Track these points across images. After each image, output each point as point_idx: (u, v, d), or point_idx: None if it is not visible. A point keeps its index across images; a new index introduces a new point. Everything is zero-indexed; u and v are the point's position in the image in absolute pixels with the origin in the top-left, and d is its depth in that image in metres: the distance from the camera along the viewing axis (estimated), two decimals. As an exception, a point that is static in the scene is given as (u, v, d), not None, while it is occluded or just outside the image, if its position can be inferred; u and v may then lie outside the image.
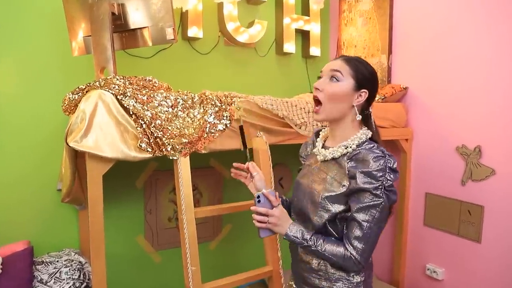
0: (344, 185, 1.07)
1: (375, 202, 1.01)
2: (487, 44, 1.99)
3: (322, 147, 1.20)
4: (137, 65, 2.23)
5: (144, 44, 1.54)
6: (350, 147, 1.10)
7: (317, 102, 1.14)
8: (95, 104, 1.33)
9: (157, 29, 1.49)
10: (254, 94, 1.78)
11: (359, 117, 1.11)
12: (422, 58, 2.34)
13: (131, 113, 1.38)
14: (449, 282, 2.23)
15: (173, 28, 1.47)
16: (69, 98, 1.43)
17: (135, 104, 1.37)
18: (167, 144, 1.39)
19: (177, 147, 1.40)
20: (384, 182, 1.01)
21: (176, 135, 1.41)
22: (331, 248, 1.06)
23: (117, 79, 1.41)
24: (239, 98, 1.62)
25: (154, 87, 1.52)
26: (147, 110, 1.39)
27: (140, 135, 1.37)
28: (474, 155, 2.04)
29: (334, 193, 1.08)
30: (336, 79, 1.10)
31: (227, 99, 1.59)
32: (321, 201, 1.09)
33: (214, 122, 1.53)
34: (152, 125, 1.38)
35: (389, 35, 2.52)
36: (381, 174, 1.01)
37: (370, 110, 1.17)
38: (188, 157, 1.47)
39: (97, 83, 1.38)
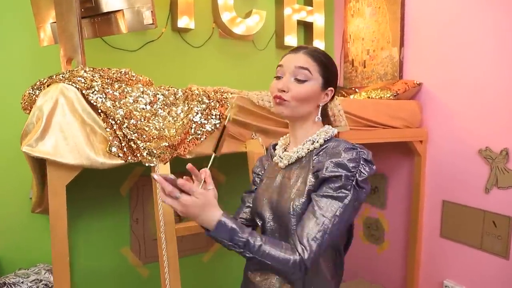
0: (310, 184, 0.92)
1: (340, 195, 0.86)
2: (516, 32, 1.75)
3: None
4: (121, 59, 2.01)
5: (118, 31, 1.31)
6: (317, 141, 0.97)
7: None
8: (55, 100, 1.10)
9: (133, 12, 1.26)
10: (250, 91, 1.55)
11: (318, 119, 1.01)
12: (438, 51, 2.10)
13: (99, 111, 1.15)
14: (470, 301, 1.99)
15: (152, 11, 1.25)
16: (29, 93, 1.21)
17: (104, 100, 1.14)
18: (142, 148, 1.16)
19: (155, 151, 1.17)
20: (357, 174, 0.87)
21: (154, 137, 1.19)
22: (274, 251, 0.83)
23: (85, 71, 1.18)
24: (230, 93, 1.39)
25: (130, 81, 1.29)
26: (119, 107, 1.16)
27: (110, 138, 1.14)
28: (501, 159, 1.80)
29: (305, 198, 0.91)
30: (302, 79, 0.96)
31: (216, 95, 1.36)
32: (294, 211, 0.91)
33: (201, 122, 1.30)
34: (124, 126, 1.15)
35: (401, 25, 2.29)
36: (353, 164, 0.87)
37: (329, 106, 1.07)
38: (168, 164, 1.24)
39: (61, 75, 1.16)
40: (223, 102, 1.34)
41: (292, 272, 0.83)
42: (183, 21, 2.09)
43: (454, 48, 2.02)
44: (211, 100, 1.33)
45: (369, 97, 2.13)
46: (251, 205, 1.12)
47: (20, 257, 1.80)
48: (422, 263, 2.25)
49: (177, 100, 1.28)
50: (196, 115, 1.28)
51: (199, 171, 0.90)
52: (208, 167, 0.91)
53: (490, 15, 1.83)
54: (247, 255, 0.84)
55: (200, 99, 1.31)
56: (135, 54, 2.06)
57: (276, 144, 1.14)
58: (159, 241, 1.21)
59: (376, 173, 2.51)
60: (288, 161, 1.01)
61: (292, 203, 0.92)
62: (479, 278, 1.94)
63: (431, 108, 2.16)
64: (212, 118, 1.31)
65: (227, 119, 0.97)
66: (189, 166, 0.89)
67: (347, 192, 0.86)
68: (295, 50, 1.00)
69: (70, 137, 1.10)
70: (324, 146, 0.97)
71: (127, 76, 1.30)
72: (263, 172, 1.13)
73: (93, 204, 1.99)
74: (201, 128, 1.30)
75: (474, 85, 1.93)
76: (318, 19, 2.58)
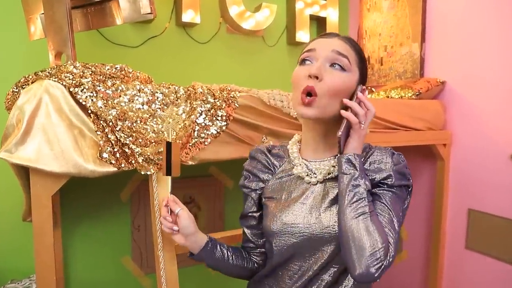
0: None
1: (405, 199, 0.86)
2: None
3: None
4: (122, 55, 1.89)
5: (112, 22, 1.18)
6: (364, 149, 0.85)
7: (310, 93, 0.79)
8: (39, 99, 0.97)
9: (129, 1, 1.12)
10: (260, 89, 1.41)
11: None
12: (463, 46, 1.93)
13: (89, 111, 1.02)
14: (501, 321, 1.82)
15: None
16: (12, 91, 1.08)
17: (94, 99, 1.01)
18: (138, 154, 1.02)
19: (152, 158, 1.03)
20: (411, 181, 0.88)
21: (152, 141, 1.04)
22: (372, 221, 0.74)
23: (74, 67, 1.04)
24: (238, 92, 1.24)
25: (126, 78, 1.15)
26: (112, 107, 1.02)
27: (101, 142, 1.01)
28: (538, 166, 1.63)
29: None
30: (342, 67, 0.80)
31: (223, 93, 1.21)
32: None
33: (205, 124, 1.16)
34: (118, 128, 1.01)
35: (422, 19, 2.12)
36: (408, 171, 0.87)
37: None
38: (169, 170, 1.09)
39: (46, 71, 1.02)
40: (230, 101, 1.19)
41: (374, 257, 0.70)
42: (188, 15, 1.95)
43: (480, 43, 1.84)
44: (217, 99, 1.18)
45: (388, 97, 1.97)
46: (256, 241, 0.98)
47: (14, 267, 1.68)
48: (444, 276, 2.08)
49: (178, 99, 1.14)
50: (199, 116, 1.14)
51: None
52: (169, 191, 0.93)
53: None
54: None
55: (205, 98, 1.17)
56: (137, 50, 1.93)
57: (270, 150, 0.95)
58: (156, 261, 1.07)
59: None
60: (328, 175, 0.84)
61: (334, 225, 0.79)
62: (511, 296, 1.76)
63: (456, 109, 1.99)
64: (217, 120, 1.17)
65: (168, 136, 0.86)
66: (165, 201, 0.96)
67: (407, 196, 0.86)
68: (328, 35, 0.85)
69: (55, 141, 0.96)
70: (368, 152, 0.85)
71: (122, 72, 1.16)
72: (263, 186, 0.94)
73: (91, 211, 1.86)
74: (205, 131, 1.16)
75: (504, 82, 1.76)
76: (331, 14, 2.42)
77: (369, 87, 2.33)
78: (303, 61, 0.83)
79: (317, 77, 0.78)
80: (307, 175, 0.86)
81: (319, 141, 0.86)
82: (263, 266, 0.97)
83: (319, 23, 2.45)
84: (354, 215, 0.72)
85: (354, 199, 0.73)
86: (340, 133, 0.76)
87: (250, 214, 0.96)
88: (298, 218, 0.83)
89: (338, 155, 0.79)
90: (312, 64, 0.81)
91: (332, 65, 0.80)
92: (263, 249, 0.97)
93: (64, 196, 1.72)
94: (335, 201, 0.81)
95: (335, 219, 0.79)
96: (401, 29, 2.24)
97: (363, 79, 0.85)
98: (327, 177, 0.84)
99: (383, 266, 0.70)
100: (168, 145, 0.82)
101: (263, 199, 0.92)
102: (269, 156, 0.94)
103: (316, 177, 0.85)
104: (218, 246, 0.95)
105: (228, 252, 0.95)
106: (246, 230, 0.99)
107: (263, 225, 0.91)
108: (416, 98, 1.89)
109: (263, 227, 0.92)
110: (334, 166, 0.84)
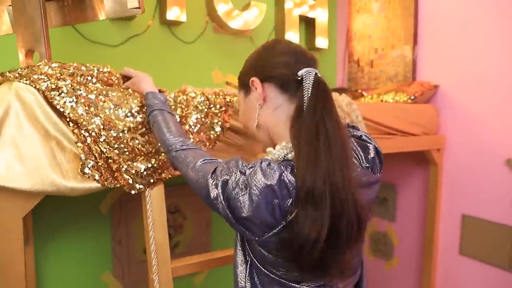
0: None
1: None
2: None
3: None
4: (101, 55, 1.74)
5: (94, 17, 1.04)
6: None
7: None
8: (7, 105, 0.82)
9: (113, -7, 0.99)
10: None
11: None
12: (456, 49, 1.90)
13: (68, 119, 0.88)
14: (496, 329, 1.79)
15: (138, -8, 0.98)
16: (-25, 96, 0.92)
17: (74, 105, 0.87)
18: (124, 169, 0.89)
19: (141, 173, 0.91)
20: None
21: (141, 154, 0.92)
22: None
23: (49, 67, 0.91)
24: (235, 96, 1.13)
25: (110, 81, 1.02)
26: (95, 115, 0.89)
27: (83, 155, 0.87)
28: (535, 171, 1.61)
29: None
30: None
31: (218, 98, 1.10)
32: None
33: (199, 133, 1.04)
34: (102, 139, 0.88)
35: (415, 21, 2.08)
36: None
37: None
38: (162, 186, 0.98)
39: (16, 72, 0.88)
40: (228, 108, 1.08)
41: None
42: (173, 13, 1.83)
43: (474, 46, 1.82)
44: (212, 105, 1.07)
45: (382, 101, 1.91)
46: None
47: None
48: (437, 281, 2.04)
49: (170, 106, 1.02)
50: (194, 127, 1.02)
51: None
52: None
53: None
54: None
55: (198, 104, 1.05)
56: (118, 50, 1.78)
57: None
58: (151, 284, 0.95)
59: (384, 183, 2.30)
60: None
61: None
62: (508, 303, 1.74)
63: (449, 113, 1.95)
64: (213, 129, 1.05)
65: None
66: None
67: None
68: None
69: (28, 155, 0.82)
70: None
71: (106, 75, 1.03)
72: None
73: (66, 224, 1.70)
74: (199, 142, 1.04)
75: (498, 87, 1.74)
76: (320, 15, 2.35)
77: (359, 90, 2.28)
78: None
79: None
80: None
81: None
82: None
83: (308, 24, 2.37)
84: None
85: None
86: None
87: None
88: None
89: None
90: None
91: None
92: None
93: (36, 208, 1.56)
94: None
95: None
96: (392, 31, 2.19)
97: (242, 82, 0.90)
98: None
99: None
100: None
101: None
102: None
103: None
104: None
105: None
106: None
107: None
108: (411, 102, 1.84)
109: None
110: None
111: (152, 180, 0.93)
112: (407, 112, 1.74)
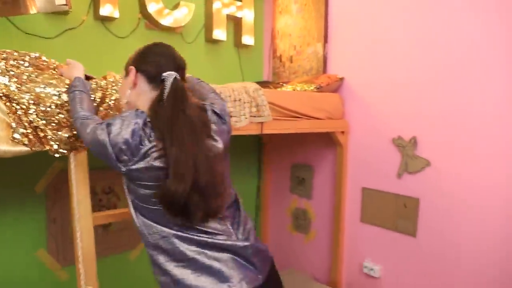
0: None
1: None
2: (424, 35, 1.94)
3: None
4: (35, 46, 1.83)
5: (25, 10, 1.21)
6: None
7: None
8: None
9: (41, -10, 1.17)
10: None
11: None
12: (359, 48, 2.24)
13: (1, 94, 1.05)
14: (386, 280, 2.16)
15: (64, -9, 1.17)
16: None
17: (7, 82, 1.05)
18: (50, 137, 1.08)
19: (66, 139, 1.10)
20: None
21: (67, 125, 1.11)
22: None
23: (-17, 52, 1.07)
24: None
25: (42, 66, 1.20)
26: (26, 92, 1.07)
27: (14, 124, 1.05)
28: (410, 147, 1.99)
29: None
30: None
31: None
32: None
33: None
34: (31, 111, 1.07)
35: (325, 22, 2.41)
36: None
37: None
38: (85, 153, 1.17)
39: (-47, 55, 1.04)
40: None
41: None
42: (106, 10, 1.99)
43: (374, 46, 2.15)
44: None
45: (294, 90, 2.22)
46: None
47: None
48: (344, 247, 2.39)
49: (94, 89, 1.22)
50: (112, 102, 1.23)
51: None
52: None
53: (410, 18, 1.99)
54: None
55: (118, 87, 1.26)
56: (52, 42, 1.90)
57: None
58: (74, 233, 1.14)
59: (304, 165, 2.62)
60: None
61: None
62: (393, 257, 2.11)
63: (352, 101, 2.30)
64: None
65: None
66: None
67: None
68: None
69: (-36, 122, 0.99)
70: None
71: (38, 60, 1.20)
72: None
73: (2, 205, 1.80)
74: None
75: (388, 80, 2.09)
76: (247, 15, 2.61)
77: (280, 83, 2.58)
78: None
79: None
80: None
81: None
82: None
83: (236, 23, 2.63)
84: None
85: None
86: None
87: None
88: None
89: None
90: None
91: None
92: None
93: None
94: None
95: None
96: (308, 30, 2.51)
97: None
98: None
99: None
100: None
101: None
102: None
103: None
104: None
105: None
106: None
107: None
108: (317, 91, 2.16)
109: None
110: None
111: (75, 146, 1.13)
112: (312, 99, 2.05)
